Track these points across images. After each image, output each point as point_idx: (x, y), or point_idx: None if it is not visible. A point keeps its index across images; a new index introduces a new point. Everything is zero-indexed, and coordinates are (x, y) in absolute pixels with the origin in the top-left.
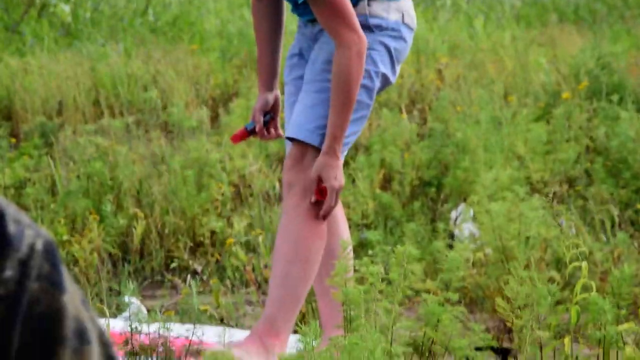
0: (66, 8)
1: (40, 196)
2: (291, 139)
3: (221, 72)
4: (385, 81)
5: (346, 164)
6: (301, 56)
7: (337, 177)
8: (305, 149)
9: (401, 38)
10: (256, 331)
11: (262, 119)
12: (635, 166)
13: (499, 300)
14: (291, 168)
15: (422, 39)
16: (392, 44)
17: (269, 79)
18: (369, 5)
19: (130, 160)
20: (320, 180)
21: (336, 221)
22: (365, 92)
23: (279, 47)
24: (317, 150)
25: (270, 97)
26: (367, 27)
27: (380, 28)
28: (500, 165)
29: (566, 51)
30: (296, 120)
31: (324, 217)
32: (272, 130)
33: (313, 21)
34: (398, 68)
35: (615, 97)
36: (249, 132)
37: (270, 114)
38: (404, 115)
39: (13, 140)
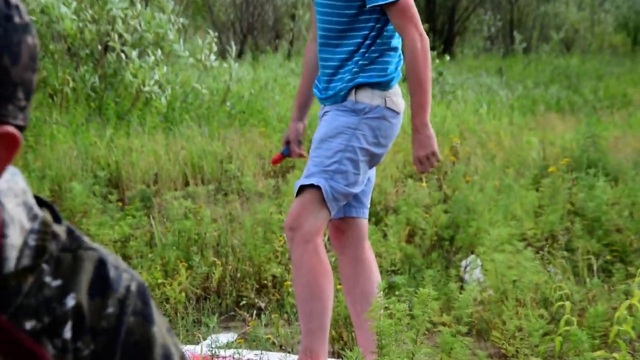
0: (163, 101)
1: (140, 248)
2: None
3: None
4: (371, 155)
5: (378, 222)
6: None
7: (428, 145)
8: (303, 203)
9: (384, 119)
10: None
11: (296, 147)
12: (607, 225)
13: (494, 332)
14: (290, 222)
15: (439, 122)
16: (374, 123)
17: (305, 110)
18: (356, 93)
19: (211, 219)
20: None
21: (370, 268)
22: (351, 163)
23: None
24: (312, 204)
25: (302, 126)
26: (353, 111)
27: (364, 111)
28: (501, 224)
29: (552, 134)
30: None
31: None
32: (299, 152)
33: (323, 99)
34: (387, 142)
35: (591, 170)
36: (285, 156)
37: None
38: (424, 184)
39: (120, 204)
